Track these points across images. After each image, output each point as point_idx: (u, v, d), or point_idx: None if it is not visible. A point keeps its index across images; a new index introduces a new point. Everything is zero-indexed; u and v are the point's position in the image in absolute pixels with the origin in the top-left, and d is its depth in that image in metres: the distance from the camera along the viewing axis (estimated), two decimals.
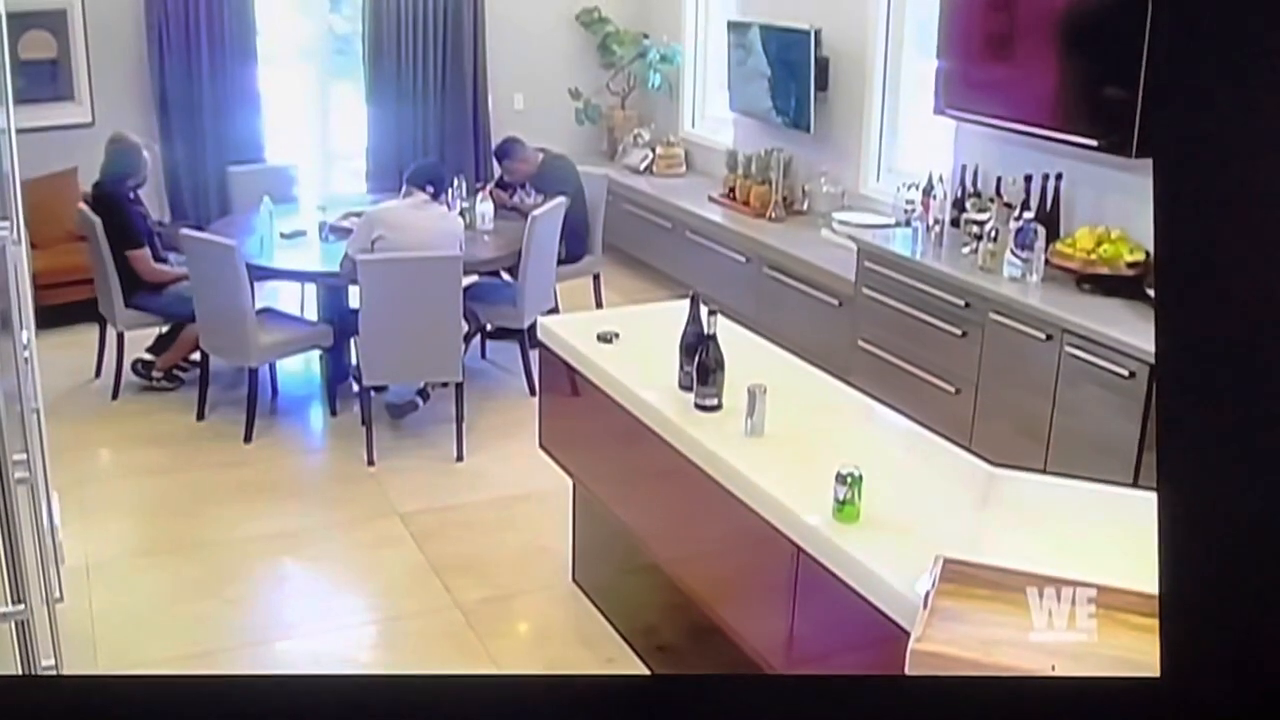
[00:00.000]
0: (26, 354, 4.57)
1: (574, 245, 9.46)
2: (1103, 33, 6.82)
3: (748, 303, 9.25)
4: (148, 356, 8.80)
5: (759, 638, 4.64)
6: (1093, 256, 6.98)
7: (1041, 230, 7.15)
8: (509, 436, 7.95)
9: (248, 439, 8.02)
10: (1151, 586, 2.51)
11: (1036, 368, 6.85)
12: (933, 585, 3.53)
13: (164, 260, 8.70)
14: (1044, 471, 6.18)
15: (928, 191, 8.21)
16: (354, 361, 8.23)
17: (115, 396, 8.68)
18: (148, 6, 10.76)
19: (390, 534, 7.03)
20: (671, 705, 2.62)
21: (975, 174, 8.04)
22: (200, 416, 8.38)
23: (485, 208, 9.16)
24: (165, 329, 8.96)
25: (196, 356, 8.58)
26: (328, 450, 8.39)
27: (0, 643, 3.18)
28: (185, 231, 8.22)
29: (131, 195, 8.74)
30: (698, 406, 5.05)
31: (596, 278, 9.92)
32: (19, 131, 5.29)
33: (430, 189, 8.13)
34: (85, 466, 7.74)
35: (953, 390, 7.43)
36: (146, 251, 8.55)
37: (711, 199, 10.65)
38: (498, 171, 10.20)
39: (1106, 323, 6.56)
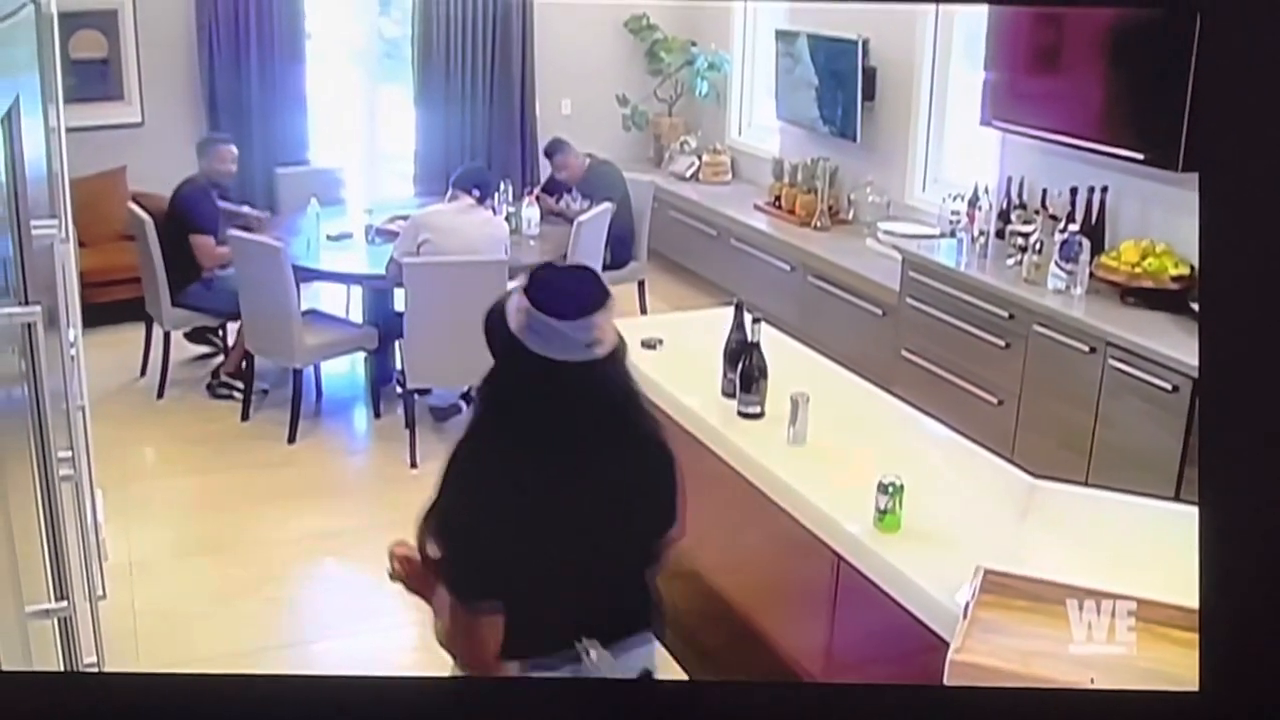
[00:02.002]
0: (73, 352, 4.60)
1: (619, 251, 9.46)
2: (1150, 46, 6.79)
3: (791, 311, 9.24)
4: (224, 377, 8.84)
5: (798, 645, 4.65)
6: (1137, 270, 6.96)
7: (1086, 243, 7.14)
8: None
9: (291, 439, 8.04)
10: (1191, 601, 2.51)
11: (1079, 380, 6.84)
12: (973, 596, 3.54)
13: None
14: (1085, 484, 6.17)
15: (973, 202, 8.19)
16: (398, 364, 8.25)
17: (160, 395, 8.71)
18: (198, 7, 10.78)
19: None
20: (710, 711, 2.63)
21: (1021, 186, 8.02)
22: (245, 417, 8.41)
23: (531, 212, 9.17)
24: (216, 332, 9.04)
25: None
26: (371, 452, 8.41)
27: (43, 639, 3.19)
28: (232, 232, 8.26)
29: (215, 189, 8.83)
30: (741, 414, 5.05)
31: (641, 284, 9.92)
32: (68, 130, 5.33)
33: (476, 193, 8.14)
34: (129, 465, 7.77)
35: (995, 401, 7.42)
36: (210, 239, 8.58)
37: (757, 207, 10.63)
38: (545, 175, 10.21)
39: (1150, 336, 6.54)
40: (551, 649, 3.37)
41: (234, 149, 9.04)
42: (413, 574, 3.64)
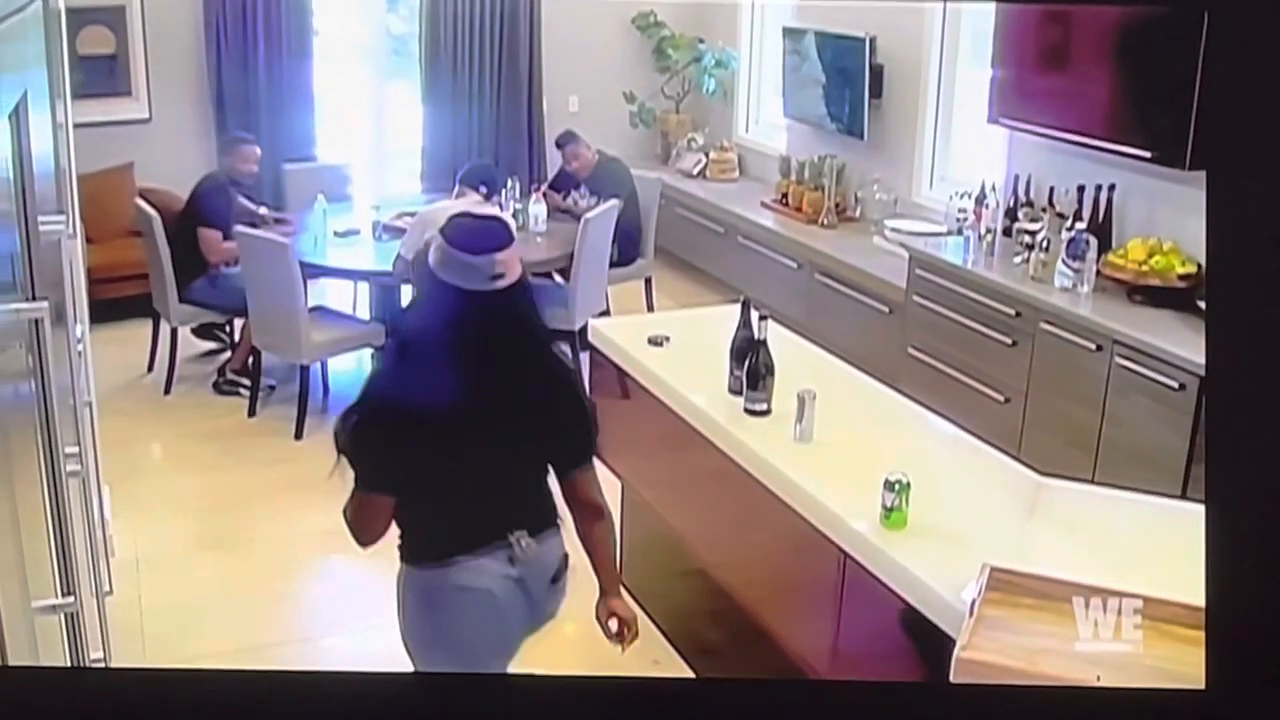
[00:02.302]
0: (80, 348, 4.59)
1: (626, 248, 9.46)
2: (1158, 44, 6.79)
3: (798, 308, 9.25)
4: (230, 374, 8.85)
5: (804, 643, 4.65)
6: (1144, 268, 6.96)
7: (1093, 241, 7.14)
8: None
9: (299, 436, 8.05)
10: (1198, 599, 2.51)
11: (1086, 378, 6.84)
12: (979, 594, 3.54)
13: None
14: (1092, 482, 6.16)
15: (980, 200, 8.20)
16: None
17: (167, 392, 8.72)
18: (206, 4, 10.78)
19: None
20: (716, 708, 2.64)
21: (1028, 183, 8.03)
22: (252, 413, 8.42)
23: (538, 209, 9.18)
24: (223, 328, 9.06)
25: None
26: None
27: (50, 634, 3.20)
28: (239, 229, 8.27)
29: (235, 187, 8.88)
30: (747, 411, 5.06)
31: (648, 281, 9.92)
32: (76, 126, 5.33)
33: (483, 190, 8.16)
34: (136, 461, 7.78)
35: (1002, 399, 7.42)
36: (218, 235, 8.58)
37: (764, 204, 10.64)
38: (552, 171, 10.21)
39: (1157, 334, 6.54)
40: (482, 543, 4.09)
41: (257, 150, 9.06)
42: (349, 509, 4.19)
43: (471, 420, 3.96)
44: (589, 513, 4.34)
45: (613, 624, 4.46)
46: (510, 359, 4.01)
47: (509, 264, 3.94)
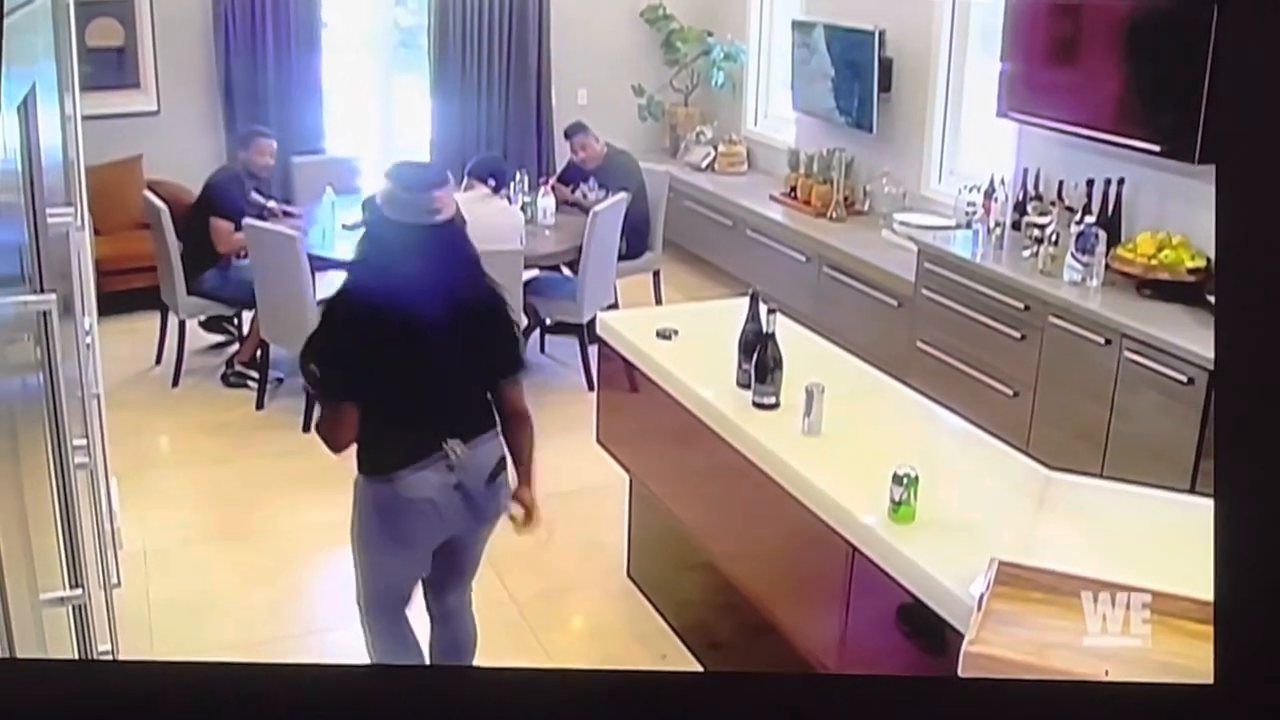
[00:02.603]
0: (88, 340, 4.60)
1: (634, 241, 9.46)
2: (1167, 38, 6.79)
3: (807, 302, 9.25)
4: (238, 366, 8.86)
5: (812, 636, 4.65)
6: (1153, 262, 6.95)
7: (1102, 235, 7.13)
8: (566, 431, 7.93)
9: (307, 429, 8.03)
10: (1206, 593, 2.50)
11: (1095, 372, 6.84)
12: (987, 588, 3.53)
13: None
14: (1100, 476, 6.16)
15: (989, 194, 8.19)
16: None
17: (175, 384, 8.74)
18: None
19: None
20: (724, 702, 2.63)
21: (1037, 177, 8.02)
22: (260, 405, 8.43)
23: (547, 202, 9.19)
24: (231, 320, 9.08)
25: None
26: None
27: (57, 627, 3.20)
28: (248, 221, 8.28)
29: (251, 180, 8.93)
30: (755, 404, 5.06)
31: (656, 274, 9.92)
32: (85, 118, 5.34)
33: (492, 182, 8.16)
34: (144, 453, 7.80)
35: (1011, 393, 7.41)
36: (229, 225, 8.59)
37: (773, 197, 10.65)
38: (561, 164, 10.20)
39: (1166, 328, 6.54)
40: (429, 451, 4.63)
41: (273, 143, 9.06)
42: (317, 424, 4.85)
43: (414, 340, 4.55)
44: (517, 420, 4.89)
45: (517, 508, 4.92)
46: (448, 286, 4.58)
47: (445, 201, 4.56)
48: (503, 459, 4.84)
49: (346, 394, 4.61)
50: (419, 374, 4.60)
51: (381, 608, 5.09)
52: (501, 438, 4.84)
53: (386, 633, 5.11)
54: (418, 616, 5.19)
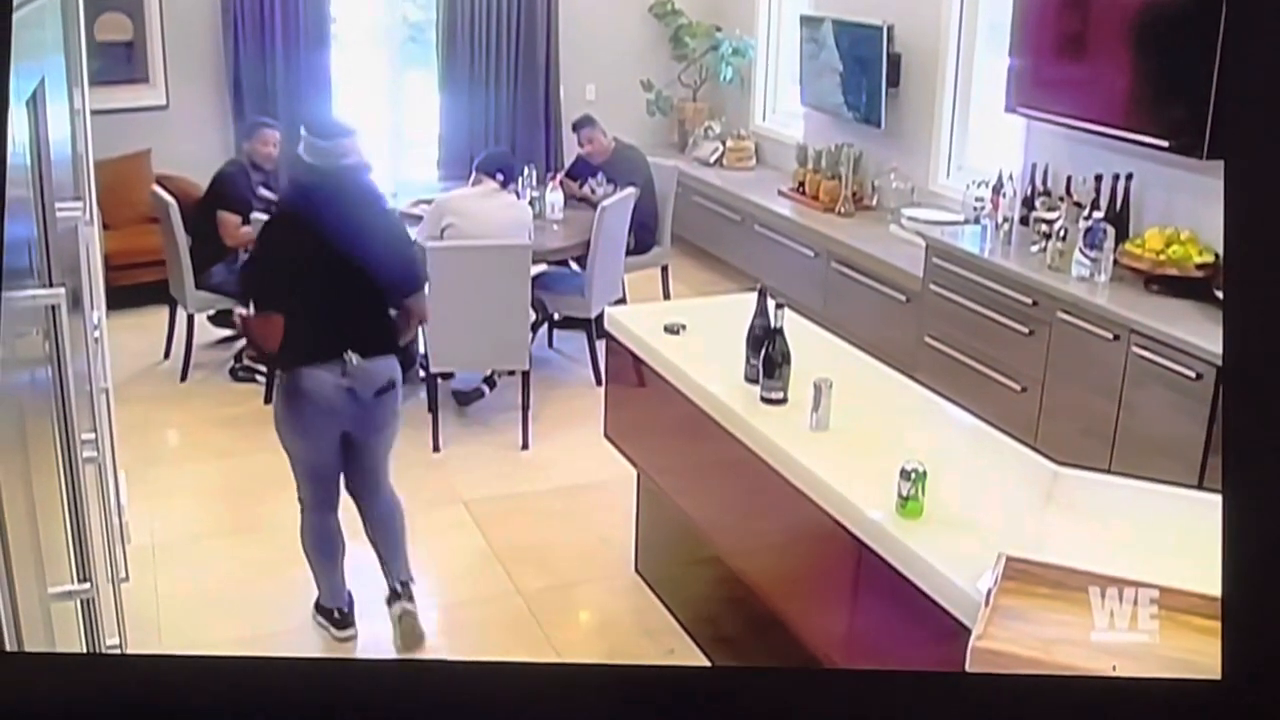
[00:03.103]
0: (96, 334, 4.60)
1: (643, 236, 9.47)
2: (1176, 33, 6.78)
3: (815, 297, 9.26)
4: (246, 360, 8.88)
5: (820, 632, 4.65)
6: (1162, 257, 6.95)
7: (1110, 230, 7.12)
8: (574, 426, 7.97)
9: None
10: (1214, 589, 2.50)
11: (1103, 367, 6.83)
12: (995, 583, 3.53)
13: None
14: (1108, 471, 6.15)
15: (997, 189, 8.19)
16: (421, 348, 8.28)
17: (184, 379, 8.75)
18: None
19: (454, 521, 7.07)
20: (731, 697, 2.63)
21: (1045, 172, 8.02)
22: (268, 400, 8.41)
23: (555, 197, 9.19)
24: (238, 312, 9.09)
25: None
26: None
27: (66, 621, 3.20)
28: (256, 215, 8.28)
29: (257, 173, 8.91)
30: (763, 400, 5.06)
31: (665, 269, 9.92)
32: (93, 113, 5.34)
33: (500, 177, 8.15)
34: (153, 447, 7.81)
35: (1018, 388, 7.41)
36: (236, 219, 8.60)
37: (781, 193, 10.64)
38: (569, 159, 10.18)
39: (1174, 324, 6.53)
40: (329, 356, 5.57)
41: (276, 133, 9.06)
42: (244, 320, 5.91)
43: (327, 264, 5.47)
44: (410, 314, 5.89)
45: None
46: (355, 220, 5.55)
47: (351, 147, 5.60)
48: (393, 380, 5.78)
49: (275, 306, 5.55)
50: (331, 291, 5.54)
51: (313, 505, 6.01)
52: (396, 361, 5.80)
53: (317, 524, 6.02)
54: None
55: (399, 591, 6.02)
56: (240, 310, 6.26)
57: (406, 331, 5.93)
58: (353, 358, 5.58)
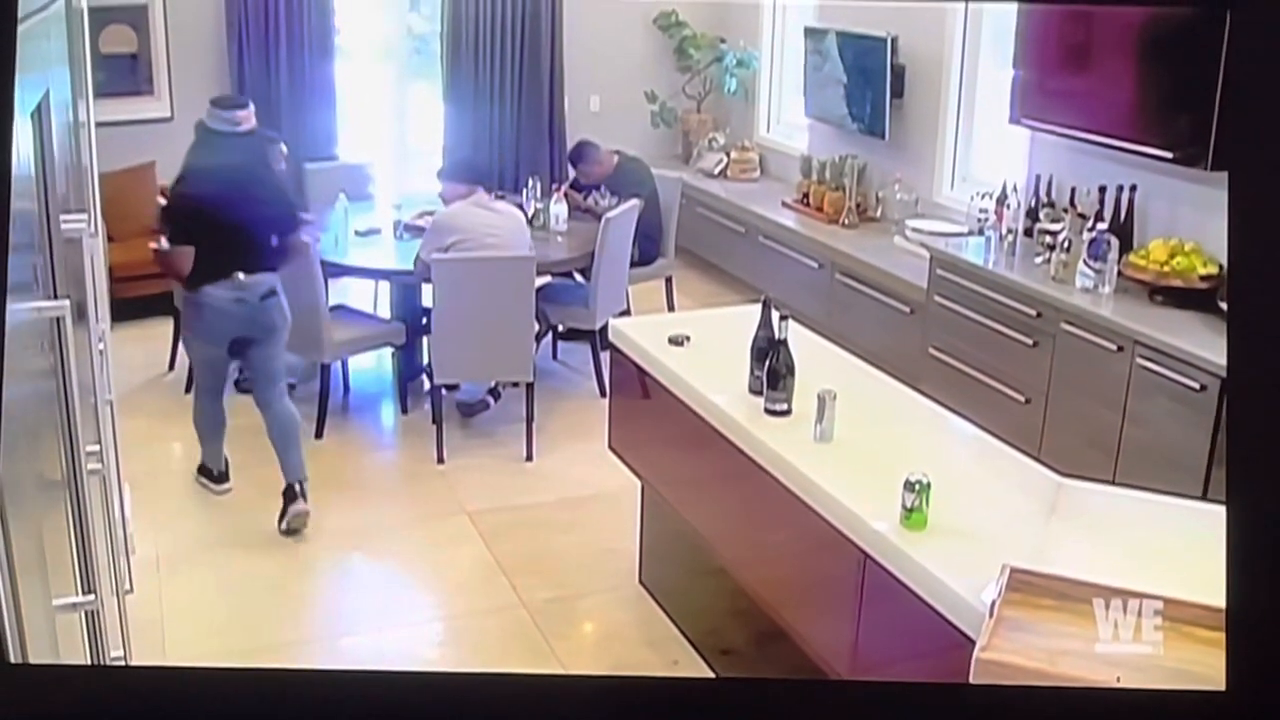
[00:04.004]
0: (101, 346, 4.60)
1: (647, 248, 9.46)
2: (1180, 45, 6.78)
3: (819, 308, 9.25)
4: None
5: (824, 643, 4.65)
6: (1166, 269, 6.95)
7: (1115, 241, 7.13)
8: (578, 437, 7.97)
9: (319, 435, 8.07)
10: (1218, 600, 2.50)
11: (1107, 379, 6.83)
12: (999, 594, 3.53)
13: None
14: (1113, 483, 6.16)
15: (1001, 200, 8.18)
16: (426, 360, 8.28)
17: (188, 390, 8.71)
18: (228, 3, 10.84)
19: (459, 532, 7.07)
20: (736, 709, 2.63)
21: (1049, 184, 8.02)
22: None
23: (559, 209, 9.18)
24: None
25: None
26: (398, 448, 8.44)
27: (70, 632, 3.20)
28: None
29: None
30: (767, 411, 5.06)
31: (669, 280, 9.91)
32: (98, 125, 5.35)
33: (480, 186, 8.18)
34: (157, 459, 7.81)
35: (1023, 400, 7.41)
36: None
37: (785, 204, 10.64)
38: (573, 174, 10.19)
39: (1178, 335, 6.54)
40: (223, 276, 6.89)
41: (283, 147, 9.04)
42: (159, 253, 7.09)
43: (227, 207, 6.80)
44: (288, 248, 7.30)
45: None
46: (247, 173, 7.09)
47: (244, 117, 7.16)
48: (273, 289, 7.09)
49: (187, 240, 6.88)
50: (228, 228, 6.82)
51: (205, 392, 7.47)
52: (275, 275, 7.12)
53: (207, 407, 7.46)
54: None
55: (295, 491, 7.14)
56: (154, 244, 7.14)
57: (286, 261, 7.27)
58: (241, 275, 6.92)
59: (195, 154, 7.25)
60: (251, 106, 7.26)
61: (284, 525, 7.05)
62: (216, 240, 6.83)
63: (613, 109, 12.23)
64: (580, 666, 5.97)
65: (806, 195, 10.48)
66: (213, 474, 7.54)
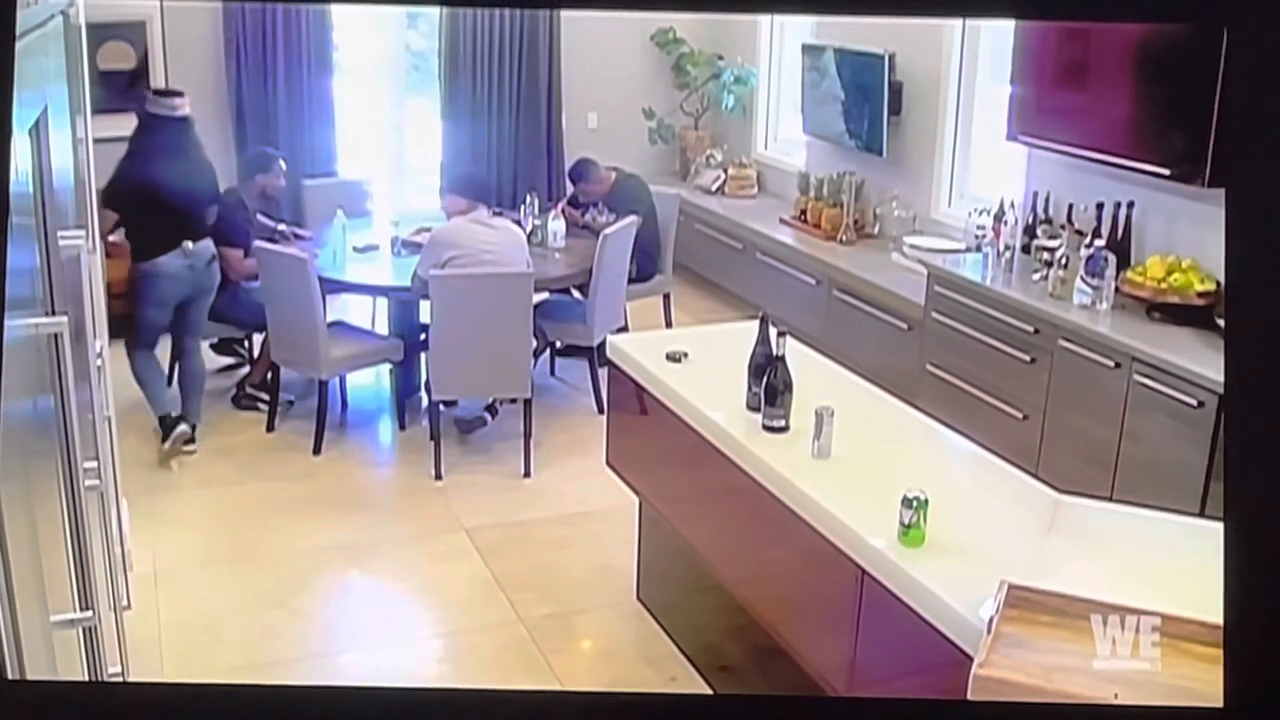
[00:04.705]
0: (99, 362, 4.60)
1: (645, 264, 9.46)
2: (1177, 62, 6.79)
3: (817, 325, 9.26)
4: (249, 389, 8.90)
5: (822, 660, 4.65)
6: (1163, 285, 6.95)
7: (1112, 258, 7.13)
8: (576, 453, 7.98)
9: (317, 451, 8.07)
10: (1216, 616, 2.50)
11: (1105, 395, 6.83)
12: (997, 611, 3.53)
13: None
14: (1110, 499, 6.16)
15: (999, 217, 8.19)
16: (423, 376, 8.28)
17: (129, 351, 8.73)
18: (226, 20, 10.84)
19: (456, 549, 7.07)
20: None
21: (1047, 200, 8.02)
22: (270, 428, 8.45)
23: (557, 225, 9.18)
24: (242, 343, 9.11)
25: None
26: (396, 464, 8.43)
27: (68, 649, 3.19)
28: (258, 244, 8.31)
29: (260, 200, 8.94)
30: (765, 428, 5.06)
31: (666, 297, 9.92)
32: (96, 141, 5.35)
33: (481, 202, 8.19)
34: (155, 475, 7.81)
35: (1020, 416, 7.41)
36: (239, 253, 8.59)
37: (782, 221, 10.64)
38: (571, 191, 10.19)
39: (1176, 352, 6.53)
40: (172, 247, 7.91)
41: (282, 163, 9.04)
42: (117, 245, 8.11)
43: (169, 185, 7.79)
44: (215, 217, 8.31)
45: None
46: (184, 153, 7.99)
47: (181, 104, 7.90)
48: (214, 254, 8.18)
49: (139, 219, 7.86)
50: (170, 203, 7.82)
51: (142, 346, 8.18)
52: (213, 242, 8.16)
53: (143, 359, 8.18)
54: None
55: (189, 425, 8.20)
56: (112, 236, 8.02)
57: (213, 230, 8.24)
58: (188, 244, 7.97)
59: (137, 138, 8.01)
60: (185, 95, 8.09)
61: (167, 445, 8.10)
62: (164, 214, 7.85)
63: (610, 126, 12.24)
64: (578, 683, 5.97)
65: (804, 212, 10.48)
66: (171, 421, 8.18)
